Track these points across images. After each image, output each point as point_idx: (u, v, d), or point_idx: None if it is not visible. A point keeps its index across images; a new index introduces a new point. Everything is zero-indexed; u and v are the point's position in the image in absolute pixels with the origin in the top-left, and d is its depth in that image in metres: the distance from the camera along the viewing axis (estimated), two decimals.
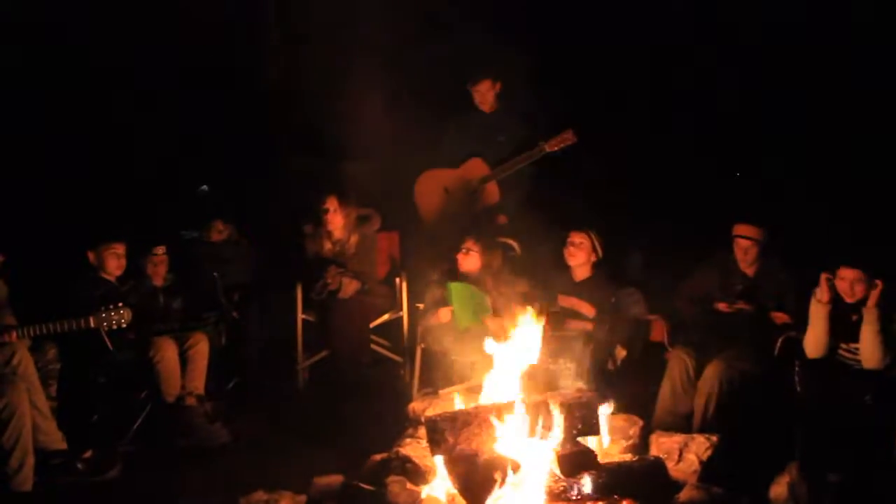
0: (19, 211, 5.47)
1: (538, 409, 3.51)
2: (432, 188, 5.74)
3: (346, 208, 5.44)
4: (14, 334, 4.09)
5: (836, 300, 4.02)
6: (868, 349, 3.91)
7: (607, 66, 6.15)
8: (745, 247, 4.58)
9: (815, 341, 4.06)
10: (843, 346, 4.07)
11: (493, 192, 5.63)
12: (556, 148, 5.46)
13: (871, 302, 3.89)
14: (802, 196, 5.66)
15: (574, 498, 3.39)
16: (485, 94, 5.65)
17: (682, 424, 4.22)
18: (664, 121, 6.13)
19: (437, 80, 6.12)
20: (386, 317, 5.48)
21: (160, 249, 5.07)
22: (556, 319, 4.78)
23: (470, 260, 5.07)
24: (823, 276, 4.01)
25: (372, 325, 5.35)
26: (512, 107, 5.73)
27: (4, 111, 5.80)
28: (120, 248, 4.79)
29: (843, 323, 4.01)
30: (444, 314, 5.00)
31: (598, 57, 6.16)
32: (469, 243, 5.07)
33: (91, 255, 4.77)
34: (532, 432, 3.48)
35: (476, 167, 5.61)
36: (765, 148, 6.11)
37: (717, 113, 6.16)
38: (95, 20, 6.12)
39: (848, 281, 3.95)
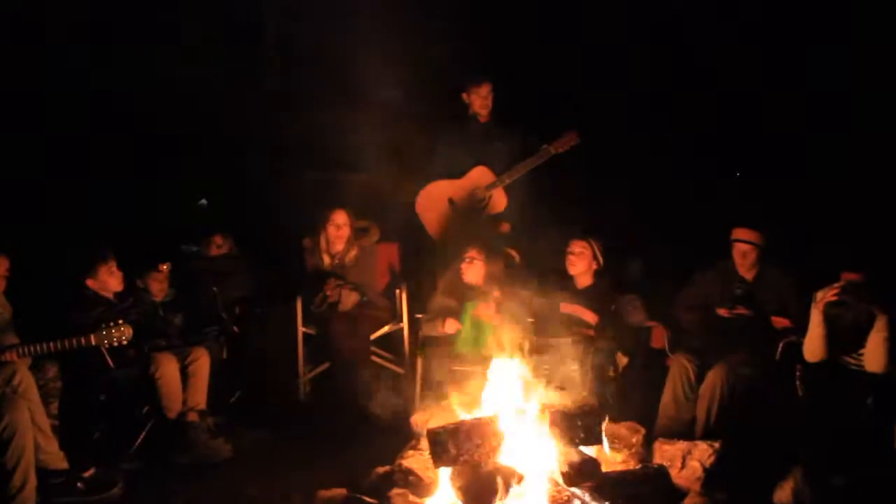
0: (20, 230, 5.47)
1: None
2: (436, 200, 5.72)
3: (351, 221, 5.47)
4: (15, 353, 4.09)
5: (837, 306, 4.01)
6: (875, 355, 3.90)
7: (604, 69, 6.16)
8: (744, 251, 4.58)
9: (811, 347, 4.05)
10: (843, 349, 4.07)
11: (500, 199, 5.63)
12: (561, 149, 5.48)
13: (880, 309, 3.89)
14: (801, 199, 5.66)
15: None
16: (486, 98, 5.65)
17: (685, 431, 4.22)
18: (663, 125, 6.14)
19: (432, 89, 6.13)
20: (386, 328, 5.46)
21: (164, 266, 5.08)
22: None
23: (473, 269, 5.08)
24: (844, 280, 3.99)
25: (372, 336, 5.33)
26: (506, 114, 5.73)
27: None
28: (114, 265, 4.79)
29: (843, 330, 4.00)
30: (450, 325, 4.99)
31: (595, 59, 6.17)
32: (472, 252, 5.08)
33: (90, 282, 4.75)
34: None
35: (482, 175, 5.61)
36: (764, 151, 6.12)
37: (718, 116, 6.16)
38: (90, 27, 6.13)
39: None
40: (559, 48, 6.22)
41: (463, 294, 5.14)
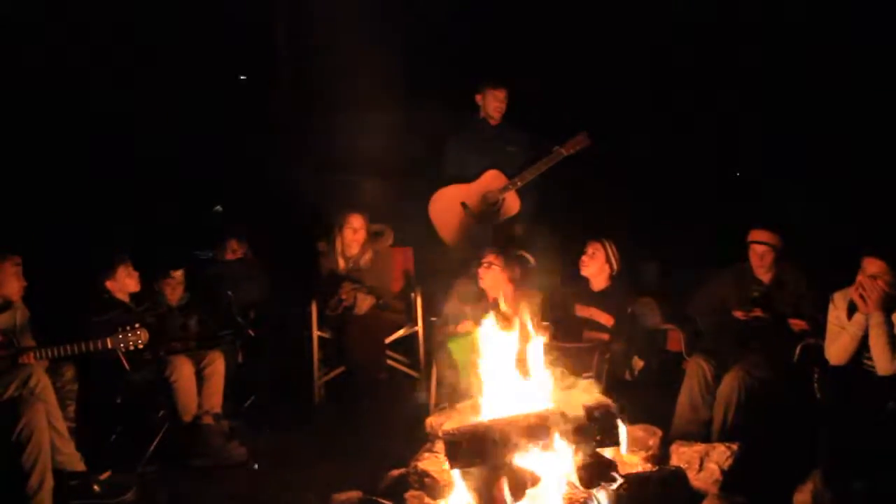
0: (37, 235, 5.51)
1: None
2: (448, 205, 5.71)
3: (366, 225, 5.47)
4: (32, 356, 4.12)
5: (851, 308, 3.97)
6: (877, 354, 3.85)
7: (616, 71, 6.16)
8: (760, 252, 4.55)
9: (847, 349, 3.99)
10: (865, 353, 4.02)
11: (513, 202, 5.62)
12: (572, 151, 5.48)
13: (872, 306, 3.84)
14: (820, 200, 5.63)
15: None
16: (503, 102, 5.64)
17: (702, 433, 4.18)
18: (677, 126, 6.12)
19: (444, 92, 6.14)
20: (401, 332, 5.46)
21: (178, 273, 5.11)
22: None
23: (491, 274, 5.05)
24: (866, 279, 3.89)
25: (387, 340, 5.33)
26: (517, 116, 5.73)
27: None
28: (131, 266, 4.81)
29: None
30: (464, 327, 4.97)
31: (609, 61, 6.16)
32: (491, 257, 5.06)
33: (109, 284, 4.78)
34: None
35: (494, 179, 5.61)
36: (781, 153, 6.09)
37: (733, 117, 6.15)
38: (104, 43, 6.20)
39: (867, 275, 3.89)
40: (571, 49, 6.23)
41: (478, 299, 5.12)
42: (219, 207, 7.37)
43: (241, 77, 6.87)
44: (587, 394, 3.84)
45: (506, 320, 4.54)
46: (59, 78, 6.17)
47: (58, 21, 6.12)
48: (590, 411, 3.55)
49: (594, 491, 3.35)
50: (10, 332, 4.22)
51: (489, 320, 3.92)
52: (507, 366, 3.91)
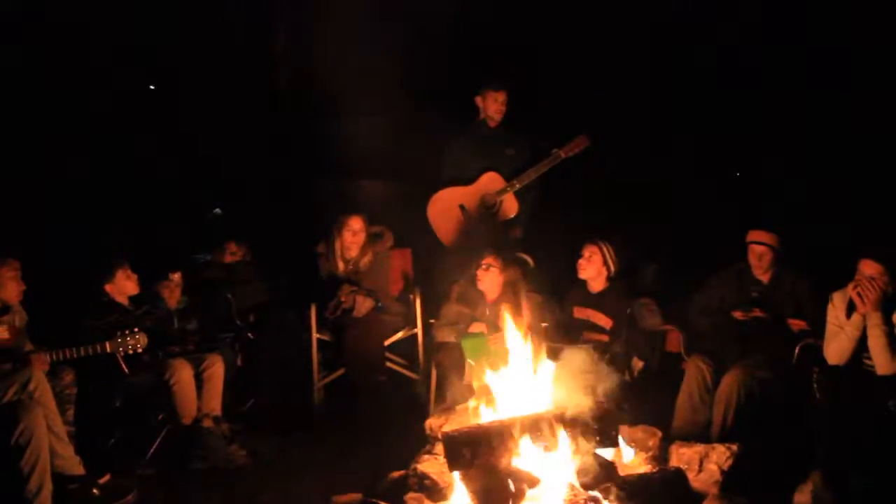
0: (36, 238, 5.51)
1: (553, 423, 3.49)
2: (447, 207, 5.69)
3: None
4: (48, 356, 4.12)
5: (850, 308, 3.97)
6: (878, 353, 3.84)
7: (616, 73, 6.16)
8: (759, 252, 4.55)
9: (845, 349, 3.98)
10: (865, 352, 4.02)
11: (511, 204, 5.61)
12: (571, 153, 5.47)
13: (870, 306, 3.84)
14: (819, 200, 5.63)
15: None
16: (503, 105, 5.64)
17: (701, 434, 4.18)
18: (676, 128, 6.12)
19: (443, 94, 6.14)
20: (400, 334, 5.46)
21: (176, 275, 5.11)
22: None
23: (490, 276, 5.05)
24: (865, 280, 3.89)
25: (387, 342, 5.33)
26: (516, 118, 5.73)
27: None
28: (129, 268, 4.82)
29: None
30: (476, 327, 4.96)
31: (608, 61, 6.16)
32: (489, 259, 5.05)
33: (109, 287, 4.78)
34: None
35: (492, 181, 5.60)
36: (781, 153, 6.09)
37: (731, 118, 6.14)
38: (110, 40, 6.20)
39: (865, 277, 3.88)
40: (569, 51, 6.22)
41: (477, 301, 5.12)
42: (218, 210, 7.36)
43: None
44: (587, 396, 3.85)
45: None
46: (59, 78, 6.17)
47: (59, 21, 6.12)
48: (589, 413, 3.55)
49: (594, 493, 3.35)
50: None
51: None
52: (508, 368, 3.92)
